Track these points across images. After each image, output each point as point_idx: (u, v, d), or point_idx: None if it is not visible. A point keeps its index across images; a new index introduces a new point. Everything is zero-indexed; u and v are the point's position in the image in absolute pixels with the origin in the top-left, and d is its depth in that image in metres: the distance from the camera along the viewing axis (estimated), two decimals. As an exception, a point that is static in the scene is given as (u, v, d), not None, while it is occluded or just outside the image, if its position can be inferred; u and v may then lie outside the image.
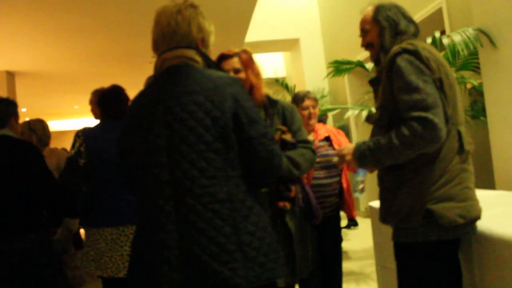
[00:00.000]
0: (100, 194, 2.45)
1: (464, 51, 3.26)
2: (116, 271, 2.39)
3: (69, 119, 12.40)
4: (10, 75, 7.17)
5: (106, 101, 2.59)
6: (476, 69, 3.53)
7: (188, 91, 1.36)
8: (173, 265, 1.26)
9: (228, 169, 1.33)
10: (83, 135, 2.48)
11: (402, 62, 1.58)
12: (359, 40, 1.84)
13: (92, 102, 3.07)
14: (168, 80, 1.41)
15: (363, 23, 1.81)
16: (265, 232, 1.34)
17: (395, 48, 1.64)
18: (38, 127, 3.43)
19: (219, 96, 1.35)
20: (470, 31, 3.23)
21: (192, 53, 1.46)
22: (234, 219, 1.29)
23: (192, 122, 1.32)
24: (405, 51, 1.60)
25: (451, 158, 1.60)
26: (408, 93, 1.54)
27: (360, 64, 4.42)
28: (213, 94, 1.35)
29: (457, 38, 3.27)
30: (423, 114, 1.49)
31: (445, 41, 3.42)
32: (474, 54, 3.45)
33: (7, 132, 2.51)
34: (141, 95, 1.48)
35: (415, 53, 1.59)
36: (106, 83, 2.79)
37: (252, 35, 7.62)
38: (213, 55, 1.75)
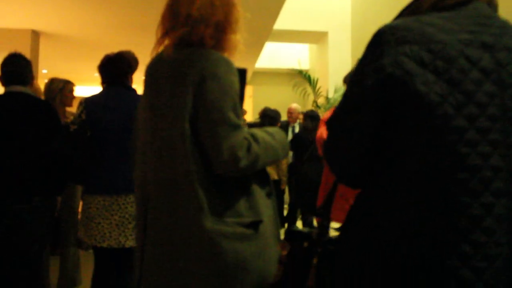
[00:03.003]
0: (97, 162, 2.45)
1: None
2: (100, 240, 2.39)
3: (87, 86, 12.47)
4: (36, 35, 7.17)
5: (107, 67, 2.58)
6: None
7: None
8: None
9: None
10: (85, 102, 2.50)
11: None
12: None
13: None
14: (485, 21, 0.98)
15: None
16: None
17: None
18: (67, 88, 3.45)
19: None
20: None
21: None
22: None
23: None
24: None
25: None
26: None
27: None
28: None
29: None
30: None
31: None
32: None
33: (27, 91, 2.53)
34: (437, 24, 0.97)
35: None
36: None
37: (281, 23, 7.51)
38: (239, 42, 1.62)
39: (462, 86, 0.91)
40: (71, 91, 3.51)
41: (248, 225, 1.41)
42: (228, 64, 1.42)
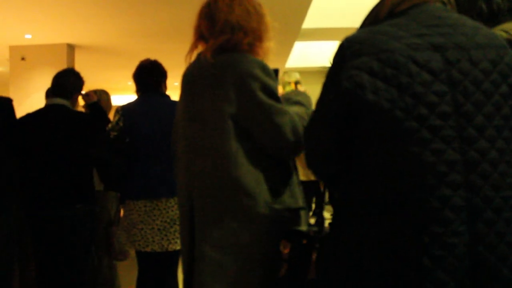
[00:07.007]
0: (135, 167, 2.49)
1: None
2: (143, 245, 2.43)
3: (122, 94, 12.72)
4: (71, 48, 7.38)
5: (141, 76, 2.64)
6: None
7: (476, 42, 1.01)
8: (462, 280, 0.94)
9: None
10: (122, 110, 2.56)
11: None
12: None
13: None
14: (435, 22, 1.04)
15: None
16: None
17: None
18: (103, 98, 3.55)
19: (510, 58, 1.03)
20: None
21: None
22: None
23: (490, 86, 0.99)
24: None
25: None
26: None
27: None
28: (504, 54, 1.02)
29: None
30: None
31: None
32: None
33: (66, 103, 2.63)
34: (387, 30, 1.04)
35: None
36: (161, 61, 2.79)
37: (309, 21, 7.46)
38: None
39: (411, 89, 0.96)
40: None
41: (292, 211, 1.52)
42: (264, 66, 1.51)
